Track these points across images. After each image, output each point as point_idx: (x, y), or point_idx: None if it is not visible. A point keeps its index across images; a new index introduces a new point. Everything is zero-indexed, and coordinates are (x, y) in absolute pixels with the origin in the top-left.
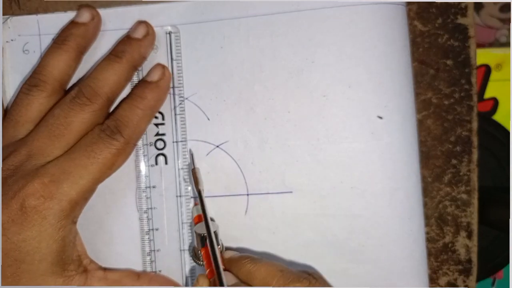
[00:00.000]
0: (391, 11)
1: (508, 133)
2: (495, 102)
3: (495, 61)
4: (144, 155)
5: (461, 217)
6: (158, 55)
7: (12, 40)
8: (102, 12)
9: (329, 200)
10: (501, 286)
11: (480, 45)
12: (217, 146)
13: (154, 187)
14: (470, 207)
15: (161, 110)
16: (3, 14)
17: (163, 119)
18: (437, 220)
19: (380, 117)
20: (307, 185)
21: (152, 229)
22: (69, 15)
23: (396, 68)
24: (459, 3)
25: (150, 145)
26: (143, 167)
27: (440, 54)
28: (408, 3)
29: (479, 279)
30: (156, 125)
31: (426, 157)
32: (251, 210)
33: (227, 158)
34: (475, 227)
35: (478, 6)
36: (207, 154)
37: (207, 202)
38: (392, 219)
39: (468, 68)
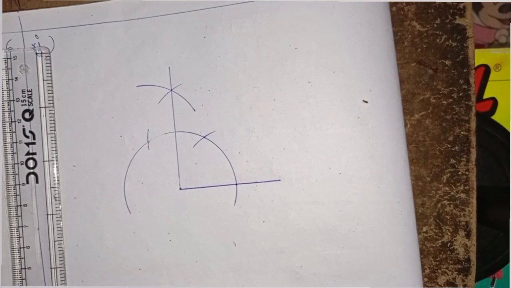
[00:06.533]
0: None
1: (508, 133)
2: (494, 102)
3: (495, 61)
4: (15, 174)
5: (460, 217)
6: (30, 76)
7: None
8: (86, 6)
9: (317, 187)
10: (500, 286)
11: (480, 45)
12: (204, 137)
13: (25, 205)
14: (468, 207)
15: (33, 129)
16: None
17: (33, 138)
18: (436, 220)
19: (366, 101)
20: (295, 173)
21: (23, 247)
22: (51, 11)
23: (379, 53)
24: (458, 3)
25: (21, 164)
26: (13, 185)
27: (438, 55)
28: (407, 3)
29: (478, 278)
30: (27, 144)
31: (424, 156)
32: (240, 199)
33: (214, 149)
34: (473, 226)
35: (478, 6)
36: (194, 145)
37: (196, 193)
38: (381, 203)
39: (466, 68)
